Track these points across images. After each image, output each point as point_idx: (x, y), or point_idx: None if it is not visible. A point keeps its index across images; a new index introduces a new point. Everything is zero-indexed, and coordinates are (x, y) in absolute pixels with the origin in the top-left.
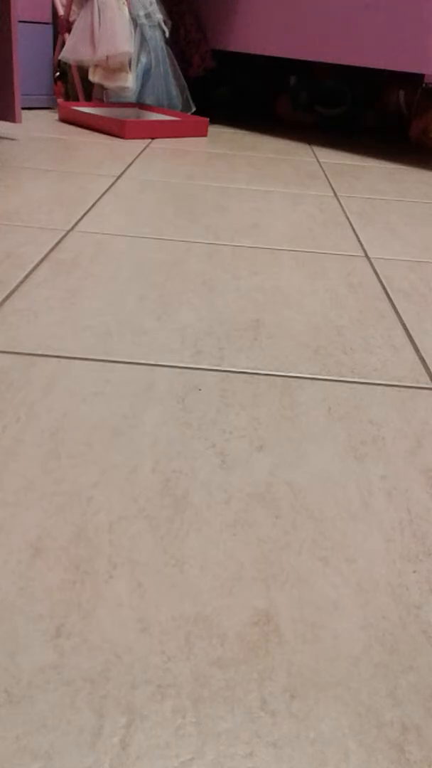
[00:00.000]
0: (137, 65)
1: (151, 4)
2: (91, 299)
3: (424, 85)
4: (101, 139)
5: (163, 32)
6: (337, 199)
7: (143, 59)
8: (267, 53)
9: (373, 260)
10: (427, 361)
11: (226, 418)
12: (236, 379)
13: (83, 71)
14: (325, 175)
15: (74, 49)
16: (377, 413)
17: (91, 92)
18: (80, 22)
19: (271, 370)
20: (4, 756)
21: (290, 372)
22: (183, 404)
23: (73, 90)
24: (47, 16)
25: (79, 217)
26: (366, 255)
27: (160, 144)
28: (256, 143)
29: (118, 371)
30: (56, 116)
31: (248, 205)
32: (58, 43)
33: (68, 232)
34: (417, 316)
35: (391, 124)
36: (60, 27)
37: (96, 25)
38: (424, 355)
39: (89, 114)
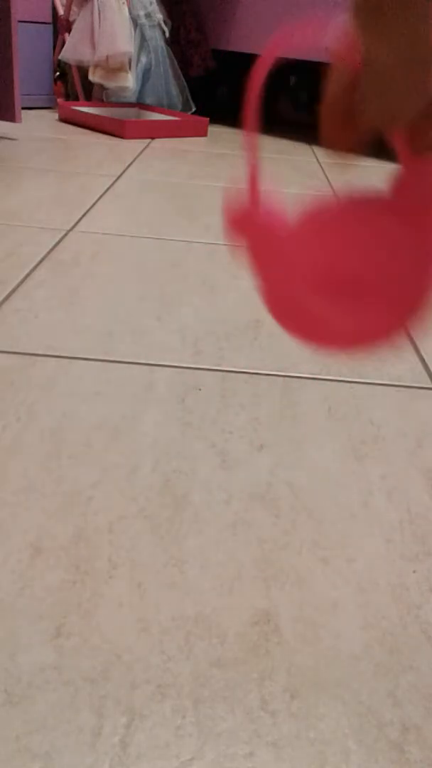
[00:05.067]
0: (137, 65)
1: (151, 4)
2: (91, 299)
3: None
4: (101, 139)
5: (163, 32)
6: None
7: (143, 59)
8: None
9: None
10: (427, 361)
11: (226, 418)
12: (236, 379)
13: (83, 71)
14: (325, 175)
15: (74, 49)
16: (377, 413)
17: (91, 92)
18: (80, 22)
19: (271, 370)
20: (4, 756)
21: (290, 372)
22: (183, 404)
23: (73, 90)
24: (47, 16)
25: (79, 217)
26: None
27: (160, 144)
28: None
29: (118, 371)
30: (56, 116)
31: None
32: (58, 43)
33: (68, 232)
34: None
35: None
36: (60, 27)
37: (96, 25)
38: (424, 355)
39: (89, 114)
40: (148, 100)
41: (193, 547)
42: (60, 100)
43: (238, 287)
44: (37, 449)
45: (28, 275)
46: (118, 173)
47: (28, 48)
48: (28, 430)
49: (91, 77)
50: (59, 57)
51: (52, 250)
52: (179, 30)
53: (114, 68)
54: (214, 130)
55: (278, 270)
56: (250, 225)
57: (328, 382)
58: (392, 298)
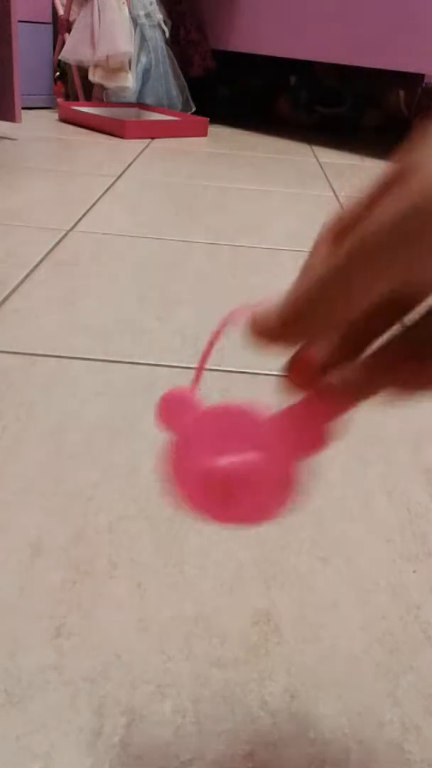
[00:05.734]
0: (137, 65)
1: (151, 4)
2: (91, 299)
3: (424, 85)
4: (101, 139)
5: (163, 32)
6: (337, 199)
7: (143, 59)
8: (267, 53)
9: None
10: None
11: None
12: (236, 379)
13: (83, 71)
14: (325, 175)
15: (74, 49)
16: (377, 413)
17: (91, 92)
18: (80, 22)
19: (271, 370)
20: (4, 756)
21: None
22: None
23: (73, 90)
24: (47, 16)
25: (79, 217)
26: None
27: (160, 144)
28: (256, 143)
29: (118, 371)
30: (56, 116)
31: (248, 205)
32: (58, 43)
33: (68, 232)
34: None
35: (391, 124)
36: (60, 27)
37: (96, 25)
38: None
39: (89, 114)
40: (148, 100)
41: (193, 547)
42: (60, 100)
43: (238, 287)
44: (37, 449)
45: (28, 275)
46: (118, 173)
47: (28, 48)
48: (28, 430)
49: (91, 77)
50: (59, 57)
51: (52, 250)
52: (179, 30)
53: (114, 68)
54: (214, 130)
55: (181, 446)
56: (178, 405)
57: None
58: (257, 500)
